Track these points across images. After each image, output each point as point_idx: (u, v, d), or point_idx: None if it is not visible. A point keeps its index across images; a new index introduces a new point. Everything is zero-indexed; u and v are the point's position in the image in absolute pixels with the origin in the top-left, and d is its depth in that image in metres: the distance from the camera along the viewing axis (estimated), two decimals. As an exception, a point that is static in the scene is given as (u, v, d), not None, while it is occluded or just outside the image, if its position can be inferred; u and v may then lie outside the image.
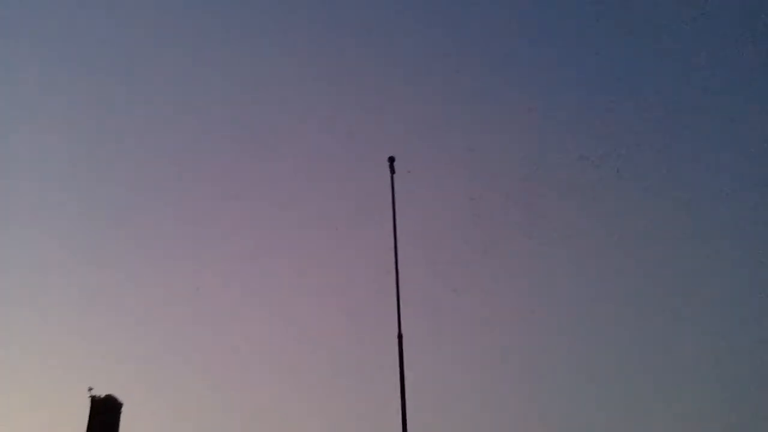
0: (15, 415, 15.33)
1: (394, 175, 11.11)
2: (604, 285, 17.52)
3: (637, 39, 18.40)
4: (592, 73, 19.52)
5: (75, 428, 10.86)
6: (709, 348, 15.76)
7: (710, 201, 17.60)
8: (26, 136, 18.65)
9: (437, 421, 14.40)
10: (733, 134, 17.42)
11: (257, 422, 15.47)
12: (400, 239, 10.75)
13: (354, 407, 15.72)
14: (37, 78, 19.04)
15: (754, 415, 13.99)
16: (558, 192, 17.95)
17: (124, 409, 11.21)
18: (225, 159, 19.50)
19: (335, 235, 17.62)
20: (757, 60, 16.84)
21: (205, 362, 16.31)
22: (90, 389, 11.15)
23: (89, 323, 16.53)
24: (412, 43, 20.35)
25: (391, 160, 11.22)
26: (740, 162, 17.14)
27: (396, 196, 10.99)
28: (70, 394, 12.49)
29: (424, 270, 16.85)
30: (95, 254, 18.02)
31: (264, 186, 18.49)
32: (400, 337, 10.26)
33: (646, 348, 16.25)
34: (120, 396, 11.25)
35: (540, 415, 15.46)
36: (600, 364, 16.39)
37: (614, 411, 15.31)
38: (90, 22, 19.57)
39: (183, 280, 17.00)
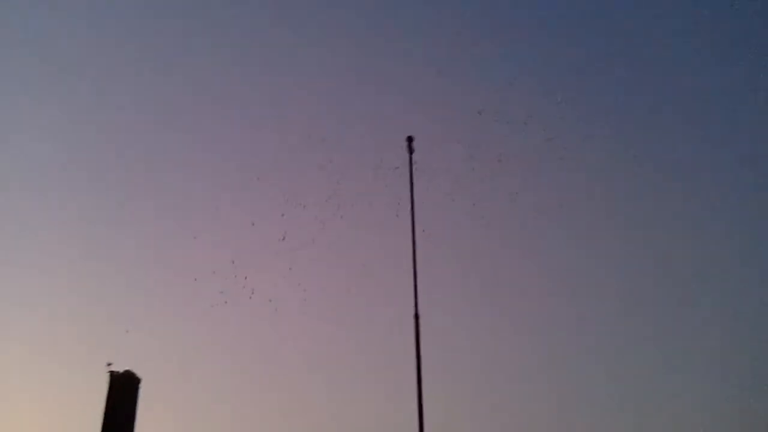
0: (37, 390, 15.61)
1: (413, 155, 11.05)
2: (629, 263, 17.43)
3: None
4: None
5: (95, 402, 11.03)
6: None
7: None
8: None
9: (454, 401, 14.43)
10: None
11: (273, 399, 15.58)
12: (417, 220, 10.70)
13: (371, 388, 15.77)
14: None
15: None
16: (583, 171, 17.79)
17: (141, 384, 11.34)
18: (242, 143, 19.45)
19: (351, 216, 17.58)
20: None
21: (222, 340, 16.41)
22: (109, 365, 11.28)
23: (108, 298, 16.68)
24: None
25: (410, 139, 11.13)
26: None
27: (414, 175, 10.92)
28: (89, 369, 12.64)
29: (442, 249, 16.78)
30: (121, 227, 18.16)
31: (278, 165, 18.39)
32: (416, 317, 10.24)
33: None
34: (138, 372, 11.38)
35: (557, 395, 15.45)
36: (621, 342, 16.35)
37: (628, 392, 15.30)
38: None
39: (205, 256, 17.05)
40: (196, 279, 15.78)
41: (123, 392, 11.22)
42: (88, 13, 19.60)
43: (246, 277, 16.03)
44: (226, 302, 15.38)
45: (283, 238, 16.33)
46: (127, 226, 18.19)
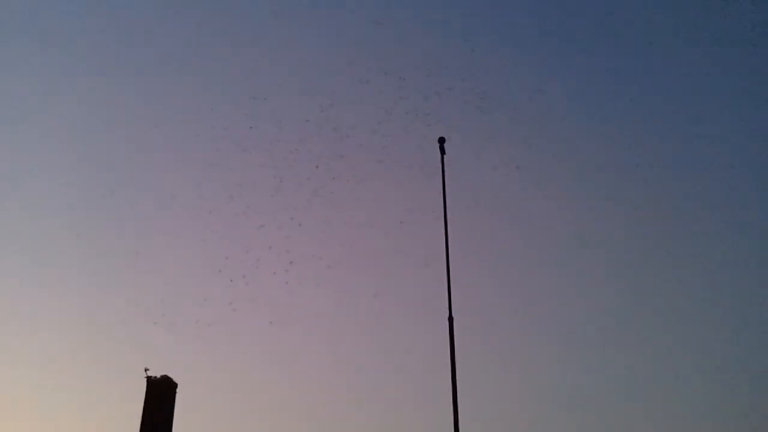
0: (78, 396, 15.87)
1: (445, 156, 11.00)
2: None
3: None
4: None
5: (134, 407, 11.14)
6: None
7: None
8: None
9: (489, 404, 14.31)
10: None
11: (308, 401, 15.62)
12: (450, 221, 10.64)
13: (405, 390, 15.72)
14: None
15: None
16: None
17: (178, 390, 11.43)
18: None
19: (385, 218, 17.57)
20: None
21: (256, 342, 16.51)
22: (146, 370, 11.39)
23: (146, 303, 16.87)
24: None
25: (441, 141, 11.09)
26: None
27: (446, 176, 10.87)
28: (128, 375, 12.80)
29: (475, 251, 16.71)
30: (160, 228, 18.36)
31: (310, 165, 18.42)
32: (450, 319, 10.16)
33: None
34: (174, 377, 11.47)
35: (591, 397, 15.26)
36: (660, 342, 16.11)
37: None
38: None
39: (235, 258, 17.15)
40: (231, 280, 15.94)
41: (160, 397, 11.31)
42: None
43: (278, 282, 16.13)
44: (258, 305, 15.50)
45: (318, 243, 16.42)
46: (164, 228, 18.41)
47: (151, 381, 11.32)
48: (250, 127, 18.83)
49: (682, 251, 17.36)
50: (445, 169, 10.93)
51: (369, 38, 19.98)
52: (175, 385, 11.42)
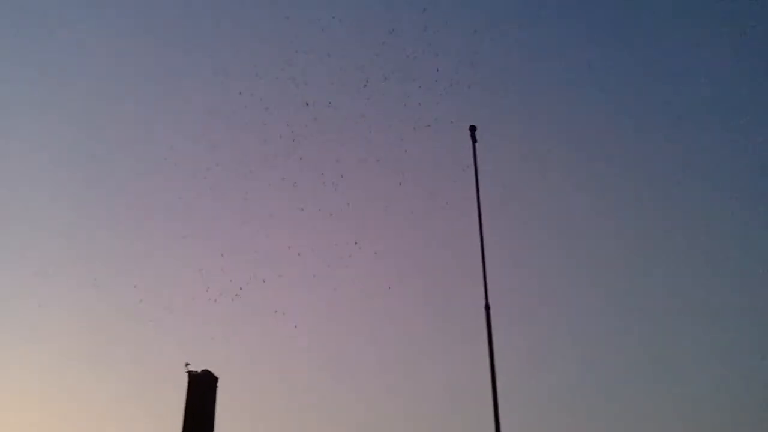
0: (123, 390, 16.19)
1: (476, 144, 10.94)
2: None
3: None
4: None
5: (176, 401, 11.34)
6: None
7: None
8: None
9: (528, 392, 14.24)
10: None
11: (347, 393, 15.71)
12: (483, 209, 10.60)
13: (443, 380, 15.72)
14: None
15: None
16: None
17: (219, 384, 11.58)
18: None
19: (419, 207, 17.53)
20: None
21: (293, 334, 16.61)
22: (187, 365, 11.55)
23: (186, 303, 17.10)
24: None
25: (473, 129, 11.03)
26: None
27: (478, 165, 10.81)
28: (170, 370, 13.01)
29: (510, 239, 16.61)
30: (199, 225, 18.55)
31: (342, 154, 18.38)
32: (487, 308, 10.12)
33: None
34: (215, 371, 11.63)
35: (629, 382, 15.10)
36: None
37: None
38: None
39: (273, 251, 17.30)
40: (264, 281, 16.04)
41: (202, 391, 11.47)
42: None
43: (314, 275, 16.22)
44: (297, 297, 15.59)
45: (354, 240, 16.43)
46: (202, 224, 18.60)
47: (192, 375, 11.49)
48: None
49: (714, 242, 17.09)
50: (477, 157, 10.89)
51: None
52: (216, 379, 11.58)
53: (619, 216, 17.86)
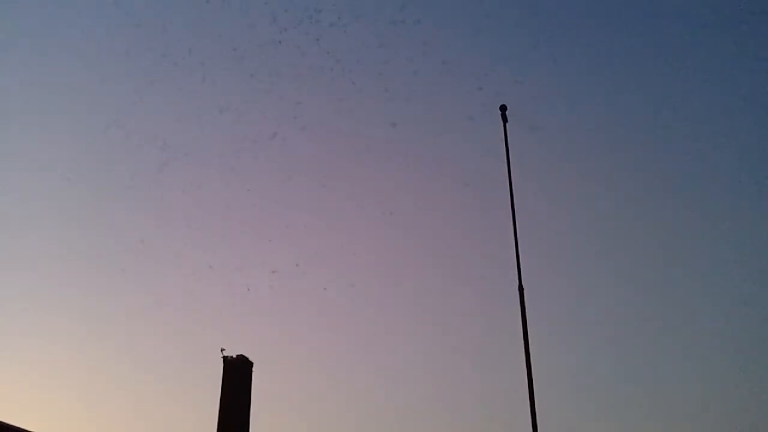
0: (162, 376, 16.46)
1: (507, 124, 10.81)
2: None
3: None
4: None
5: (213, 385, 11.46)
6: None
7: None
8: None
9: (562, 371, 14.12)
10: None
11: (380, 375, 15.74)
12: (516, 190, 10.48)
13: (478, 361, 15.68)
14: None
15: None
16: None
17: (254, 368, 11.66)
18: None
19: (451, 189, 17.44)
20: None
21: (328, 320, 16.72)
22: (222, 350, 11.65)
23: (223, 289, 17.29)
24: None
25: (503, 108, 10.90)
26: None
27: (509, 145, 10.69)
28: (206, 355, 13.17)
29: (544, 220, 16.46)
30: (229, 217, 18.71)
31: (375, 137, 18.35)
32: (521, 288, 10.02)
33: None
34: (250, 356, 11.71)
35: (662, 360, 14.89)
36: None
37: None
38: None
39: (307, 241, 17.38)
40: (297, 264, 16.10)
41: (237, 376, 11.57)
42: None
43: (354, 258, 16.20)
44: (326, 289, 15.61)
45: (388, 235, 16.35)
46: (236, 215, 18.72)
47: (227, 361, 11.59)
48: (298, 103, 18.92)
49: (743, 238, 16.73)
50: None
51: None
52: (251, 364, 11.66)
53: (654, 196, 17.56)
